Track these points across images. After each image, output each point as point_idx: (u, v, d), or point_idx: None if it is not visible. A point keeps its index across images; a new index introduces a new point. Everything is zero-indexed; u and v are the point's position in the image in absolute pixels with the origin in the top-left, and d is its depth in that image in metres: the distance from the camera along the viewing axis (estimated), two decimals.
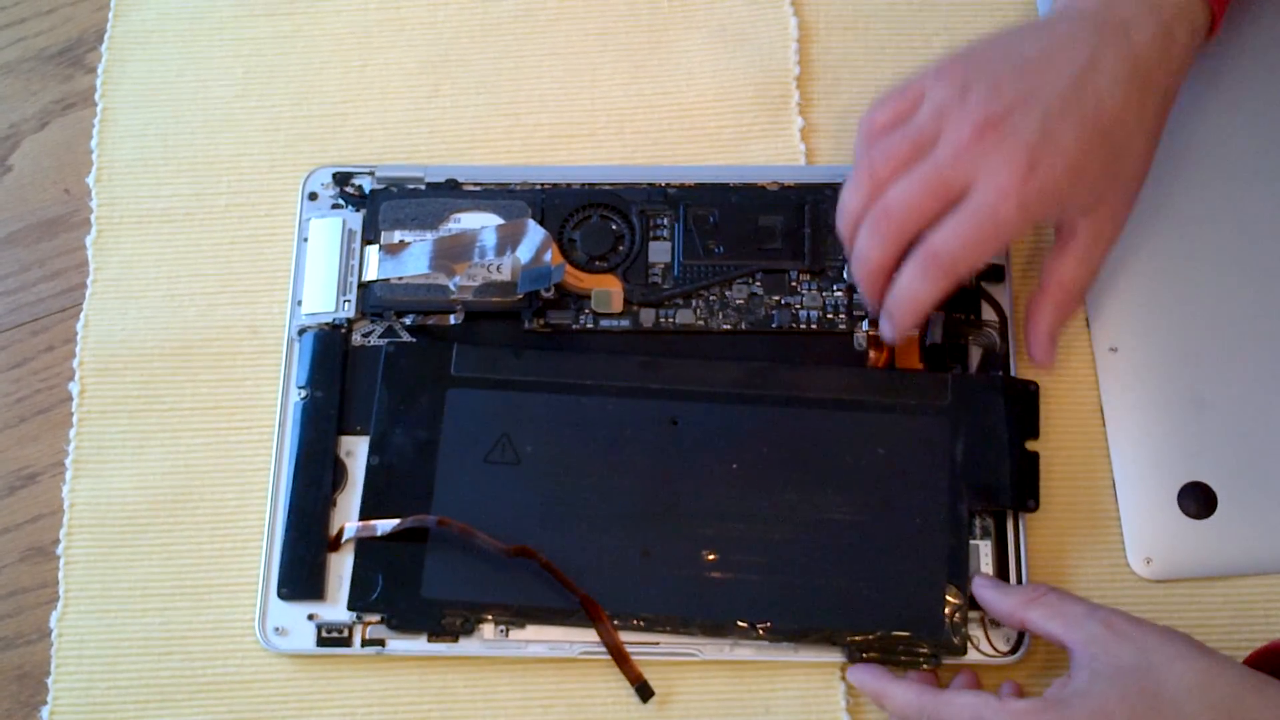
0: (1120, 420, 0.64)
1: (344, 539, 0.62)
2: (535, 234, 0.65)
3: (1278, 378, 0.64)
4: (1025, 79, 0.58)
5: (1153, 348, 0.65)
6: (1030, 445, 0.63)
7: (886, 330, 0.61)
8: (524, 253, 0.65)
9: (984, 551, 0.62)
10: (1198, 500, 0.63)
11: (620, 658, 0.60)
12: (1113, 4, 0.59)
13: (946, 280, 0.58)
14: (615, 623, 0.61)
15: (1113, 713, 0.52)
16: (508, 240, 0.65)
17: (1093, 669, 0.53)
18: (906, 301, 0.59)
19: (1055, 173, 0.56)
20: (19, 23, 0.75)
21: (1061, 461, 0.64)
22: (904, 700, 0.57)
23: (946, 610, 0.60)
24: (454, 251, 0.66)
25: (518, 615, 0.61)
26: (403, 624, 0.61)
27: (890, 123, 0.60)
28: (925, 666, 0.60)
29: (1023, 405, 0.63)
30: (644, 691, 0.61)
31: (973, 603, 0.60)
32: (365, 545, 0.62)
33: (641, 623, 0.61)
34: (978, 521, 0.62)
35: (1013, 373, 0.64)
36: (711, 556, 0.61)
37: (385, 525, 0.62)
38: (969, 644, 0.60)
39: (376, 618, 0.62)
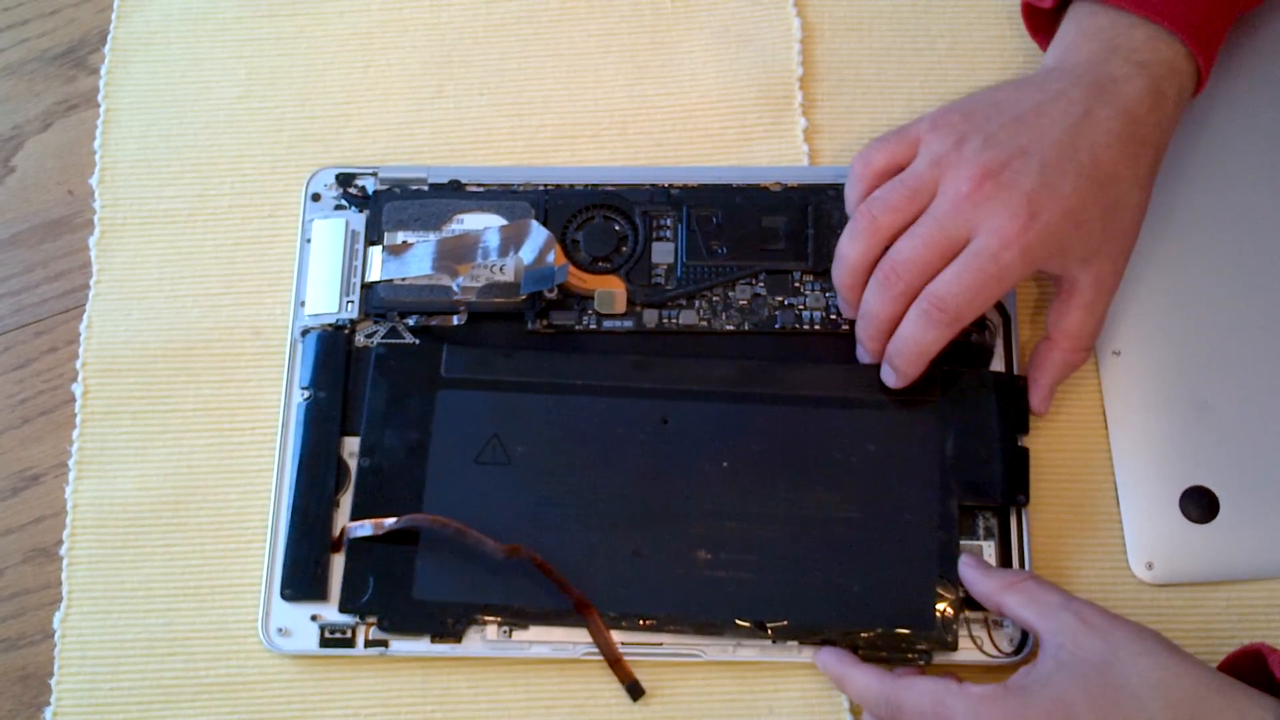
0: (1123, 424, 0.64)
1: (348, 539, 0.62)
2: (538, 235, 0.65)
3: None
4: (1020, 131, 0.59)
5: (1156, 351, 0.65)
6: (1023, 442, 0.63)
7: (890, 378, 0.62)
8: (527, 254, 0.65)
9: (988, 553, 0.62)
10: (1200, 504, 0.63)
11: (612, 658, 0.61)
12: (1102, 61, 0.60)
13: (950, 329, 0.58)
14: (609, 620, 0.61)
15: (1073, 703, 0.52)
16: (511, 241, 0.65)
17: (1058, 659, 0.54)
18: (911, 350, 0.60)
19: (1055, 220, 0.57)
20: (22, 24, 0.75)
21: (1064, 464, 0.64)
22: (864, 684, 0.58)
23: (938, 606, 0.60)
24: (457, 252, 0.66)
25: (511, 616, 0.61)
26: (394, 625, 0.61)
27: (885, 167, 0.61)
28: (919, 663, 0.60)
29: (1013, 401, 0.63)
30: (634, 691, 0.61)
31: (969, 602, 0.60)
32: (356, 547, 0.62)
33: (633, 622, 0.61)
34: (980, 522, 0.62)
35: (1015, 372, 0.64)
36: (703, 555, 0.61)
37: (387, 523, 0.62)
38: (967, 641, 0.60)
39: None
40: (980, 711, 0.53)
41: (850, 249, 0.61)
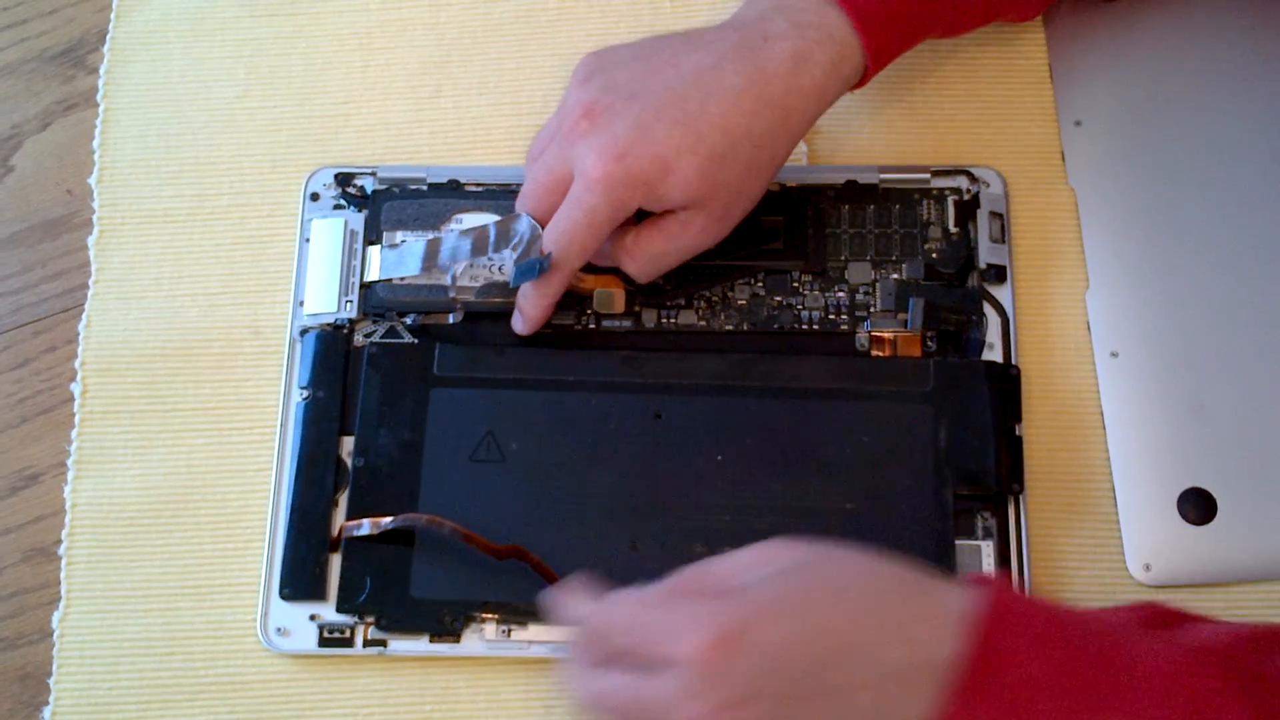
0: (1120, 425, 0.64)
1: (345, 538, 0.62)
2: (523, 226, 0.65)
3: (1278, 383, 0.64)
4: (642, 77, 0.59)
5: (1153, 353, 0.65)
6: (1017, 430, 0.63)
7: (517, 323, 0.64)
8: (520, 249, 0.65)
9: (986, 553, 0.62)
10: (1198, 506, 0.63)
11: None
12: (767, 19, 0.60)
13: (563, 279, 0.61)
14: None
15: (795, 583, 0.48)
16: (505, 239, 0.65)
17: (764, 573, 0.50)
18: (529, 302, 0.63)
19: (641, 163, 0.57)
20: (21, 23, 0.75)
21: (1061, 466, 0.64)
22: (572, 614, 0.53)
23: None
24: (455, 252, 0.66)
25: (509, 613, 0.61)
26: (392, 624, 0.61)
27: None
28: None
29: (1005, 389, 0.63)
30: None
31: None
32: (353, 547, 0.62)
33: None
34: (979, 522, 0.62)
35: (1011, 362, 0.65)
36: (699, 549, 0.61)
37: (384, 522, 0.62)
38: None
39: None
40: (679, 615, 0.48)
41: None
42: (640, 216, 0.61)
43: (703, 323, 0.66)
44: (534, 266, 0.63)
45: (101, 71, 0.73)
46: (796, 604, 0.48)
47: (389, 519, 0.62)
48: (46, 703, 0.63)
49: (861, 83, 0.62)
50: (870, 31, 0.60)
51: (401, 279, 0.66)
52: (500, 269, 0.66)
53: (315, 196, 0.69)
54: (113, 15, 0.74)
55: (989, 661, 0.46)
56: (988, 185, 0.68)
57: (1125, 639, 0.48)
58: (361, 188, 0.69)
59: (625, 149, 0.57)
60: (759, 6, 0.61)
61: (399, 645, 0.62)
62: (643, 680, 0.48)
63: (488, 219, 0.67)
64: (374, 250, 0.67)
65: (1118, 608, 0.52)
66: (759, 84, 0.58)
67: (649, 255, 0.61)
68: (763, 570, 0.50)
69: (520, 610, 0.61)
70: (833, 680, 0.47)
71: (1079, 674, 0.47)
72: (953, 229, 0.67)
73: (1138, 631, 0.49)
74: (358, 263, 0.67)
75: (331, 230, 0.68)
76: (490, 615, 0.61)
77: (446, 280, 0.65)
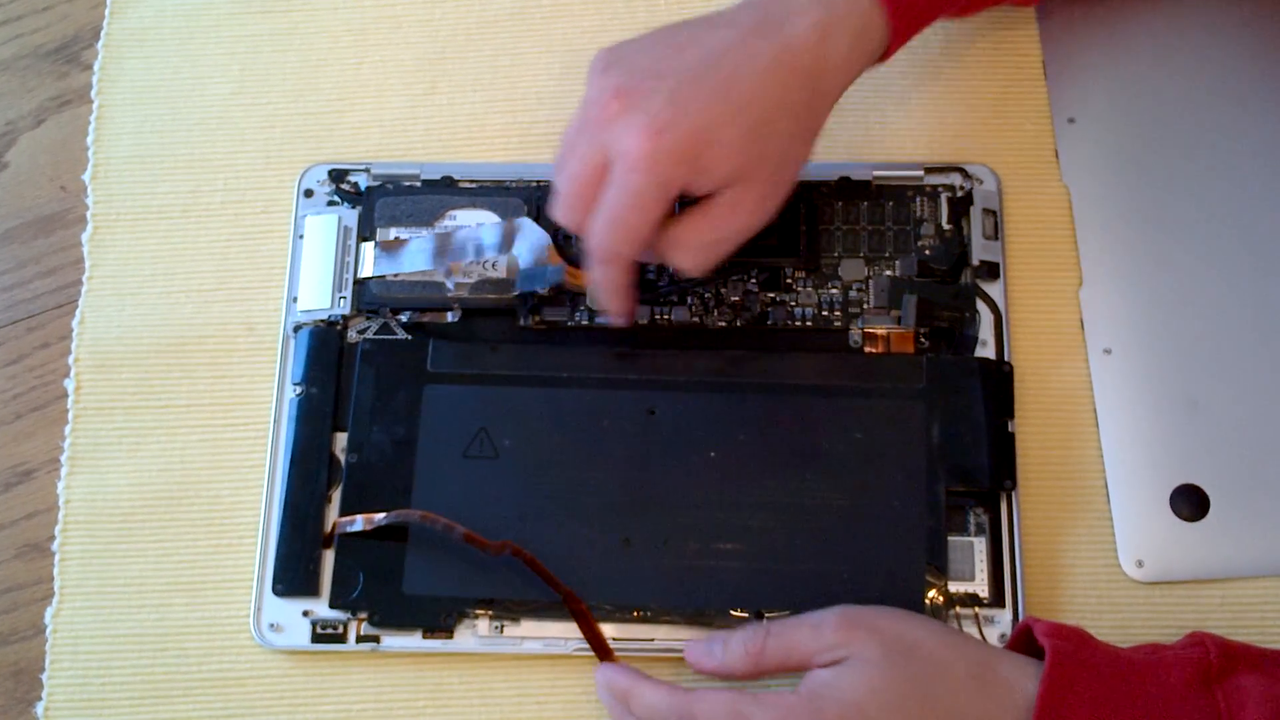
0: (1113, 422, 0.64)
1: (338, 534, 0.62)
2: (535, 235, 0.65)
3: (1271, 380, 0.64)
4: (666, 57, 0.58)
5: (1147, 350, 0.65)
6: (1009, 427, 0.63)
7: (610, 320, 0.64)
8: (523, 255, 0.65)
9: (978, 549, 0.62)
10: (1190, 503, 0.63)
11: (603, 651, 0.60)
12: None
13: (621, 265, 0.59)
14: (600, 613, 0.61)
15: (863, 702, 0.52)
16: (505, 238, 0.66)
17: (842, 662, 0.54)
18: (603, 305, 0.62)
19: (681, 137, 0.55)
20: (15, 20, 0.75)
21: (1054, 463, 0.64)
22: (654, 699, 0.56)
23: (928, 593, 0.60)
24: (450, 249, 0.66)
25: (502, 609, 0.61)
26: (384, 621, 0.61)
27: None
28: None
29: (998, 385, 0.63)
30: None
31: (963, 600, 0.60)
32: (346, 543, 0.62)
33: (625, 614, 0.61)
34: (971, 518, 0.62)
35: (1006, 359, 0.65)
36: (693, 545, 0.61)
37: (377, 518, 0.62)
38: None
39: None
40: (777, 716, 0.53)
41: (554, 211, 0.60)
42: (680, 208, 0.59)
43: (696, 319, 0.66)
44: (541, 275, 0.63)
45: (96, 68, 0.73)
46: (886, 706, 0.52)
47: (382, 515, 0.62)
48: (39, 698, 0.63)
49: (884, 57, 0.61)
50: (894, 5, 0.59)
51: (395, 275, 0.66)
52: (493, 265, 0.66)
53: (309, 193, 0.69)
54: (107, 12, 0.74)
55: None
56: (981, 182, 0.68)
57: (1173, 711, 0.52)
58: (355, 184, 0.69)
59: (665, 124, 0.55)
60: None
61: (392, 641, 0.62)
62: None
63: (484, 216, 0.67)
64: (367, 247, 0.67)
65: (1173, 658, 0.53)
66: (788, 55, 0.57)
67: (702, 244, 0.59)
68: (843, 652, 0.54)
69: (513, 606, 0.61)
70: None
71: None
72: (946, 226, 0.67)
73: (1187, 702, 0.52)
74: (351, 259, 0.67)
75: (325, 227, 0.68)
76: (483, 611, 0.61)
77: (445, 279, 0.65)
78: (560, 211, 0.59)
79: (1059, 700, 0.51)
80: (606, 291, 0.60)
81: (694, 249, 0.59)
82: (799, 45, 0.57)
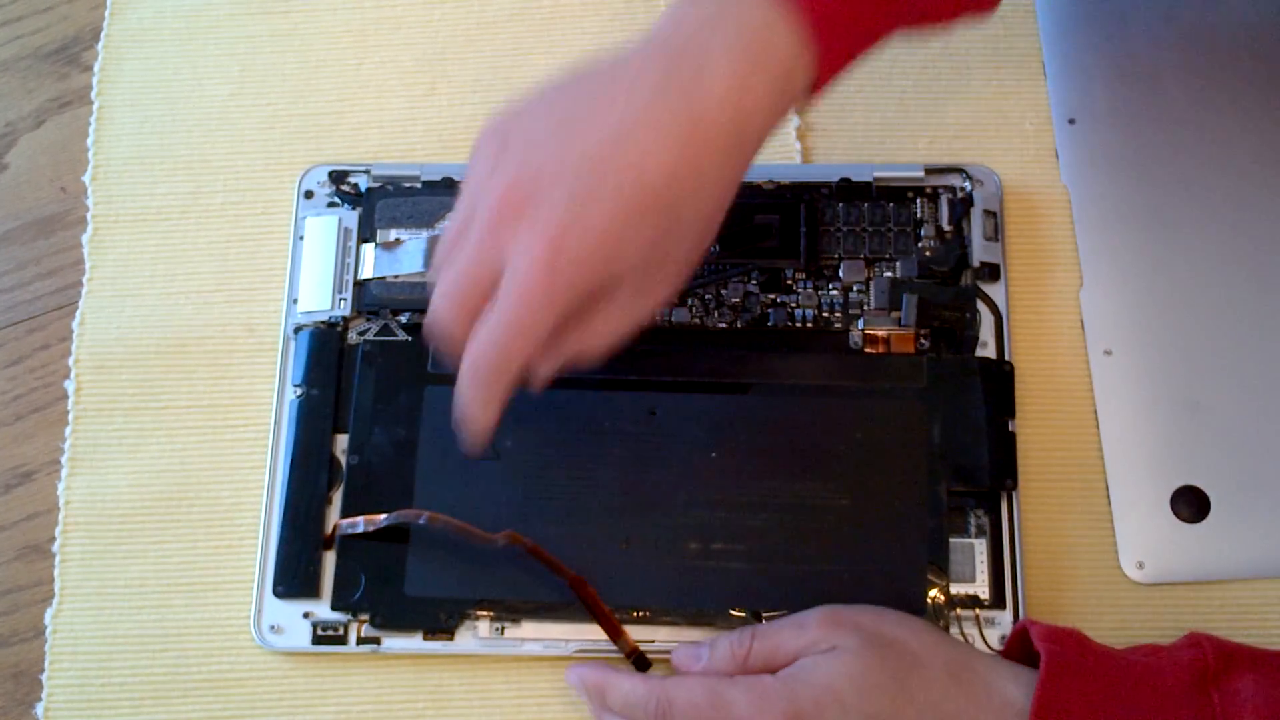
0: (1114, 423, 0.64)
1: (339, 536, 0.62)
2: None
3: (1272, 382, 0.64)
4: (564, 136, 0.50)
5: (1147, 351, 0.65)
6: (1010, 427, 0.63)
7: (465, 443, 0.55)
8: None
9: (979, 551, 0.62)
10: (1191, 504, 0.63)
11: (614, 631, 0.60)
12: (698, 35, 0.51)
13: (500, 383, 0.52)
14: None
15: (841, 689, 0.53)
16: None
17: (825, 652, 0.54)
18: (469, 417, 0.54)
19: (586, 244, 0.49)
20: (15, 20, 0.75)
21: (1055, 464, 0.64)
22: (630, 689, 0.56)
23: (929, 593, 0.60)
24: None
25: (503, 610, 0.61)
26: (386, 622, 0.61)
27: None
28: None
29: (999, 385, 0.63)
30: (641, 663, 0.60)
31: (964, 601, 0.60)
32: (347, 545, 0.62)
33: (625, 614, 0.61)
34: (972, 519, 0.62)
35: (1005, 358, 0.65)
36: (694, 546, 0.61)
37: (381, 519, 0.62)
38: (963, 637, 0.60)
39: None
40: (754, 698, 0.53)
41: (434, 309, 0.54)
42: None
43: (697, 320, 0.66)
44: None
45: (96, 69, 0.73)
46: (861, 692, 0.53)
47: (384, 516, 0.62)
48: (39, 699, 0.63)
49: (810, 96, 0.53)
50: (825, 42, 0.51)
51: (396, 277, 0.66)
52: None
53: (309, 194, 0.69)
54: (107, 13, 0.74)
55: None
56: (981, 183, 0.68)
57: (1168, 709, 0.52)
58: (355, 185, 0.69)
59: (567, 231, 0.49)
60: (689, 19, 0.51)
61: (392, 643, 0.62)
62: None
63: None
64: (368, 248, 0.67)
65: (1170, 659, 0.53)
66: (703, 129, 0.50)
67: (602, 338, 0.53)
68: (825, 645, 0.54)
69: (514, 608, 0.61)
70: None
71: None
72: (946, 227, 0.67)
73: (1185, 698, 0.52)
74: (352, 260, 0.67)
75: (325, 228, 0.68)
76: (484, 613, 0.61)
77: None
78: (441, 316, 0.53)
79: (1054, 705, 0.51)
80: (483, 405, 0.53)
81: (596, 346, 0.54)
82: (715, 113, 0.50)
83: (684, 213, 0.51)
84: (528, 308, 0.50)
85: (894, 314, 0.65)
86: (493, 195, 0.51)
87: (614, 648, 0.60)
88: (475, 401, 0.53)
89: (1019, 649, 0.56)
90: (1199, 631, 0.55)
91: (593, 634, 0.61)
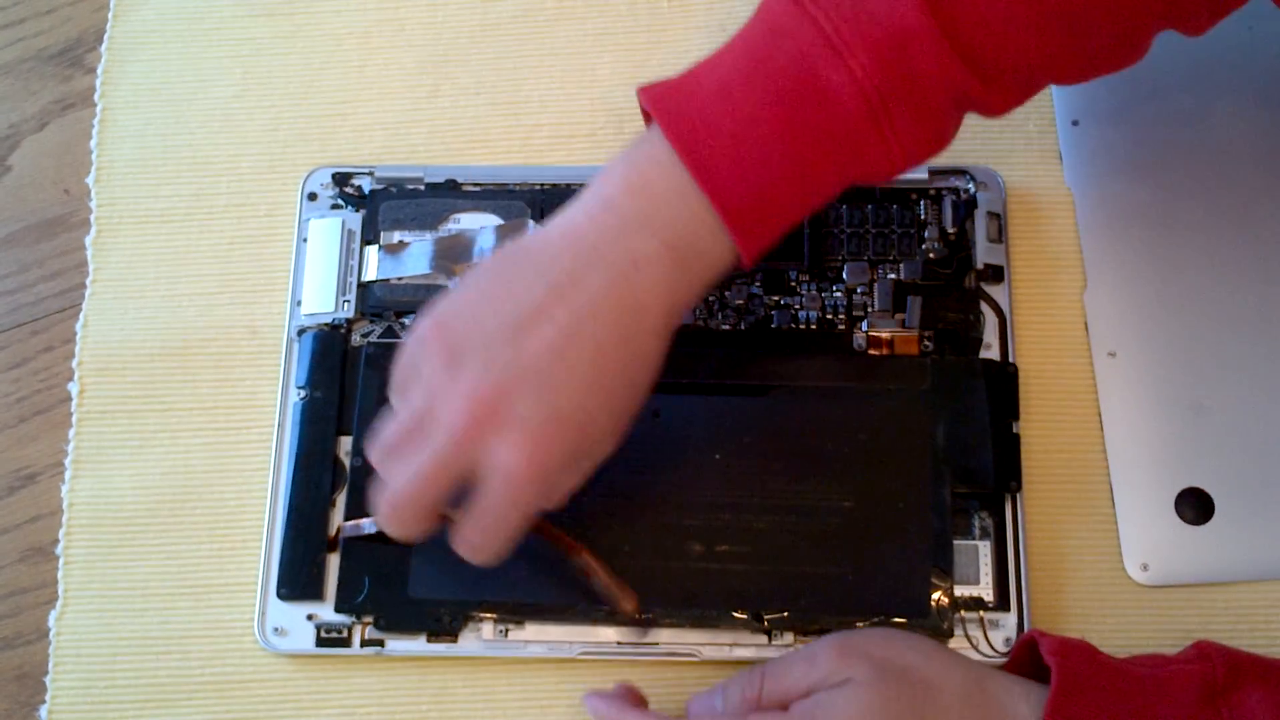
0: (1118, 425, 0.64)
1: (345, 537, 0.62)
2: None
3: (1277, 383, 0.64)
4: (518, 341, 0.52)
5: (1151, 353, 0.65)
6: (1014, 429, 0.63)
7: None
8: None
9: (983, 553, 0.62)
10: (1195, 506, 0.63)
11: (616, 584, 0.60)
12: (632, 234, 0.53)
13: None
14: (604, 614, 0.61)
15: (868, 700, 0.53)
16: (507, 240, 0.65)
17: (838, 684, 0.54)
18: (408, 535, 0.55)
19: (564, 443, 0.52)
20: (18, 23, 0.75)
21: (1059, 466, 0.64)
22: None
23: (933, 595, 0.60)
24: (453, 251, 0.66)
25: (507, 612, 0.61)
26: (390, 624, 0.61)
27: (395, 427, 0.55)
28: None
29: (1003, 387, 0.63)
30: (642, 623, 0.61)
31: (968, 604, 0.60)
32: (351, 547, 0.62)
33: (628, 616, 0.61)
34: (976, 522, 0.62)
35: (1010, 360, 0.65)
36: (697, 548, 0.61)
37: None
38: (963, 641, 0.60)
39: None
40: None
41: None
42: None
43: (700, 322, 0.66)
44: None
45: (99, 71, 0.73)
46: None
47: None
48: (43, 702, 0.63)
49: (740, 268, 0.56)
50: (745, 236, 0.53)
51: (399, 278, 0.66)
52: None
53: (313, 196, 0.69)
54: (110, 15, 0.74)
55: None
56: (985, 185, 0.68)
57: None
58: (359, 187, 0.69)
59: (543, 434, 0.51)
60: (626, 211, 0.53)
61: (396, 645, 0.62)
62: None
63: (487, 219, 0.67)
64: (371, 250, 0.67)
65: (1179, 670, 0.53)
66: (640, 321, 0.53)
67: (568, 492, 0.56)
68: (838, 678, 0.54)
69: (518, 610, 0.61)
70: None
71: None
72: (950, 229, 0.67)
73: (1193, 711, 0.52)
74: (355, 262, 0.67)
75: (329, 230, 0.68)
76: (488, 615, 0.61)
77: (448, 282, 0.65)
78: (401, 512, 0.54)
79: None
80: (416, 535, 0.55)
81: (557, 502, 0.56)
82: (653, 309, 0.53)
83: (635, 390, 0.54)
84: (514, 505, 0.52)
85: (898, 316, 0.65)
86: (458, 401, 0.52)
87: (621, 651, 0.61)
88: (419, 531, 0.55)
89: (1027, 659, 0.56)
90: (1207, 642, 0.54)
91: (596, 636, 0.61)
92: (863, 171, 0.54)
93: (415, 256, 0.66)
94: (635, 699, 0.58)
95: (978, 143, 0.69)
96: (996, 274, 0.66)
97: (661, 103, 0.53)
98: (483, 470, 0.52)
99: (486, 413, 0.51)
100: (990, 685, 0.54)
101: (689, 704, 0.59)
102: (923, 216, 0.67)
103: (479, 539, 0.54)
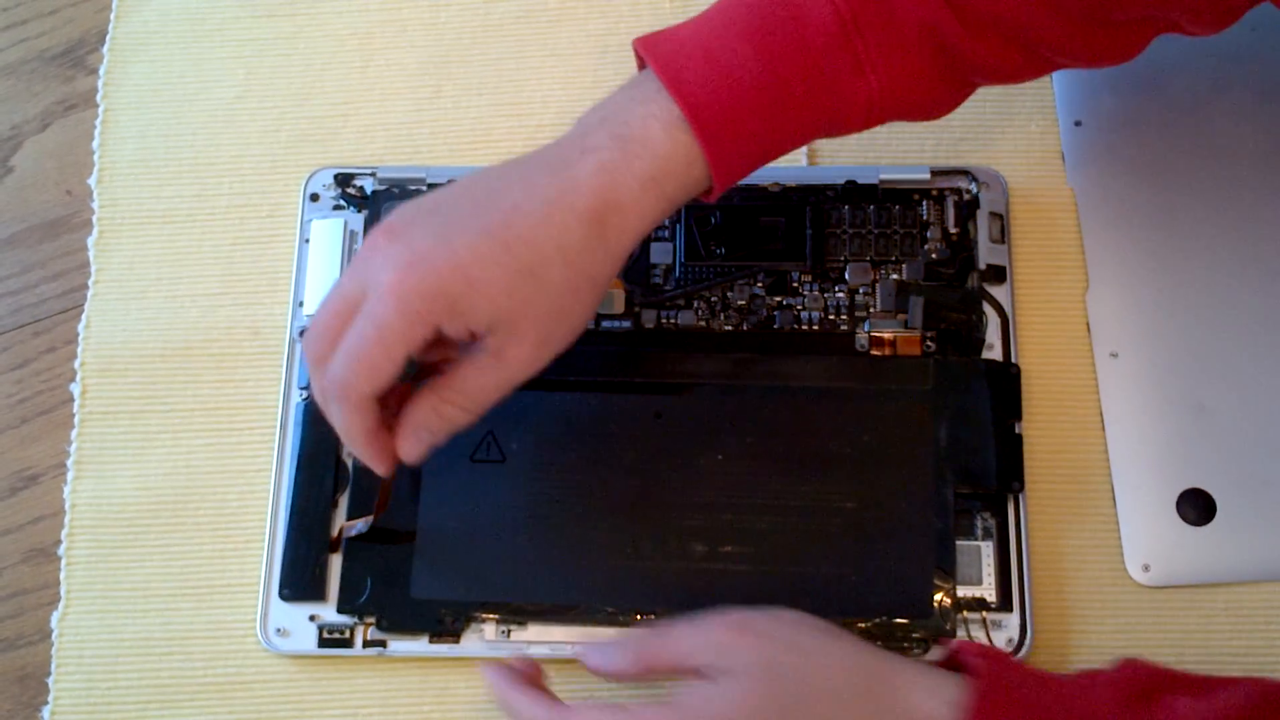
0: (1120, 426, 0.64)
1: (346, 537, 0.63)
2: None
3: (1278, 384, 0.64)
4: (450, 197, 0.54)
5: (1153, 353, 0.65)
6: (1016, 429, 0.63)
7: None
8: None
9: (986, 554, 0.62)
10: (1197, 507, 0.63)
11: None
12: (589, 132, 0.54)
13: (357, 407, 0.53)
14: (605, 614, 0.61)
15: (750, 698, 0.51)
16: None
17: (722, 670, 0.52)
18: (345, 438, 0.54)
19: (438, 270, 0.51)
20: (21, 24, 0.75)
21: (1061, 466, 0.64)
22: (530, 714, 0.55)
23: (935, 595, 0.60)
24: None
25: (509, 613, 0.61)
26: (392, 625, 0.61)
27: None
28: (916, 652, 0.60)
29: (1005, 387, 0.63)
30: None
31: (970, 604, 0.60)
32: (353, 548, 0.62)
33: (630, 617, 0.61)
34: (979, 522, 0.62)
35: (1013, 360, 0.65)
36: (700, 548, 0.61)
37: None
38: (969, 640, 0.60)
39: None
40: None
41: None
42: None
43: (702, 323, 0.66)
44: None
45: (101, 72, 0.73)
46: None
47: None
48: (45, 703, 0.63)
49: (711, 195, 0.56)
50: (717, 150, 0.53)
51: None
52: None
53: (315, 197, 0.69)
54: (112, 16, 0.74)
55: None
56: (987, 185, 0.68)
57: None
58: (361, 188, 0.69)
59: (423, 257, 0.51)
60: (589, 121, 0.55)
61: (398, 646, 0.62)
62: None
63: None
64: None
65: (1105, 678, 0.52)
66: (569, 196, 0.52)
67: (457, 396, 0.54)
68: (727, 659, 0.52)
69: (519, 610, 0.61)
70: None
71: None
72: (952, 229, 0.67)
73: (1119, 711, 0.50)
74: None
75: (331, 231, 0.68)
76: (490, 616, 0.61)
77: None
78: (306, 343, 0.54)
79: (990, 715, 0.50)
80: (347, 435, 0.54)
81: (466, 403, 0.54)
82: (583, 185, 0.53)
83: (546, 275, 0.52)
84: (376, 322, 0.51)
85: (900, 316, 0.65)
86: (372, 235, 0.53)
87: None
88: (344, 431, 0.54)
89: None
90: (1136, 659, 0.53)
91: (597, 636, 0.61)
92: (839, 103, 0.54)
93: None
94: (532, 676, 0.56)
95: (980, 143, 0.69)
96: (999, 274, 0.66)
97: (645, 39, 0.55)
98: (366, 289, 0.52)
99: (387, 238, 0.52)
100: (895, 679, 0.53)
101: (583, 652, 0.57)
102: (925, 217, 0.67)
103: (336, 373, 0.52)
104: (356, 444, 0.54)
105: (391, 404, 0.55)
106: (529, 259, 0.52)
